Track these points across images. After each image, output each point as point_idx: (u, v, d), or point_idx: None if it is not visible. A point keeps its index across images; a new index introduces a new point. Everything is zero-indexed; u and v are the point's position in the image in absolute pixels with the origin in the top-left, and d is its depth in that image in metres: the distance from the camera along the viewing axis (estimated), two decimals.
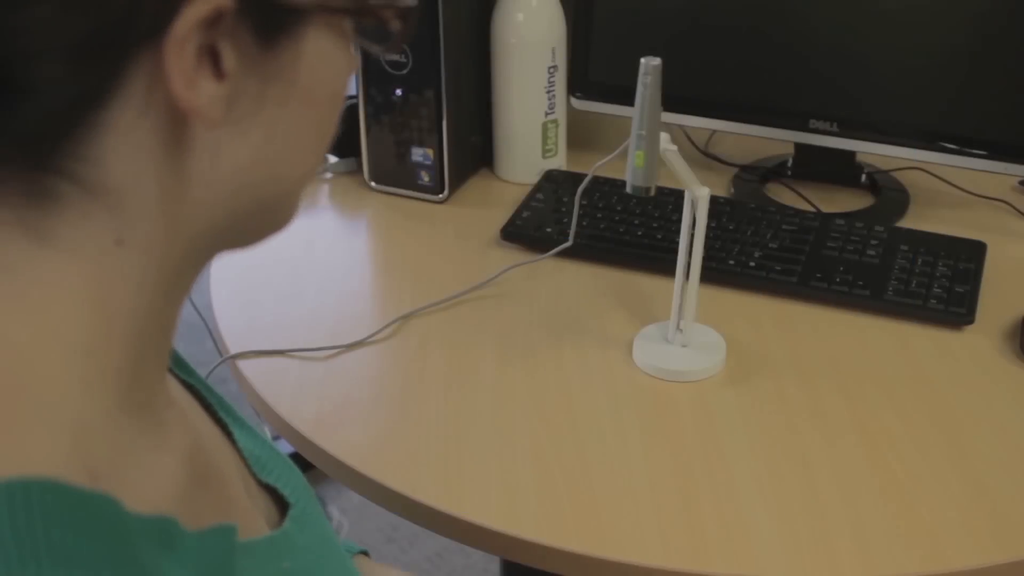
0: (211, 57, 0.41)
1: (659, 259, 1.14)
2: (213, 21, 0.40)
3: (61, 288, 0.42)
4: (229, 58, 0.42)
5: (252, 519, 0.53)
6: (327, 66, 0.46)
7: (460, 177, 1.32)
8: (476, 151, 1.35)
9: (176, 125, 0.43)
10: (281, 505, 0.58)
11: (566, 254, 1.15)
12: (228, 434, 0.59)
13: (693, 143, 1.44)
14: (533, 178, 1.31)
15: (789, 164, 1.36)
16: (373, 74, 1.25)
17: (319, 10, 0.44)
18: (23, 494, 0.38)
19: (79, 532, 0.38)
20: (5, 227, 0.42)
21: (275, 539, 0.53)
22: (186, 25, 0.39)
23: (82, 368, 0.43)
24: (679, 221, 1.05)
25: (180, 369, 0.60)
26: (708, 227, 1.00)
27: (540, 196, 1.26)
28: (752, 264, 1.13)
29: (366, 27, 0.47)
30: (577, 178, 1.28)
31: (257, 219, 0.49)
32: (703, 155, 1.41)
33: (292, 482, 0.60)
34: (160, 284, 0.46)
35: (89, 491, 0.39)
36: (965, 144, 1.20)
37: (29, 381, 0.41)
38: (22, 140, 0.40)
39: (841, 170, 1.34)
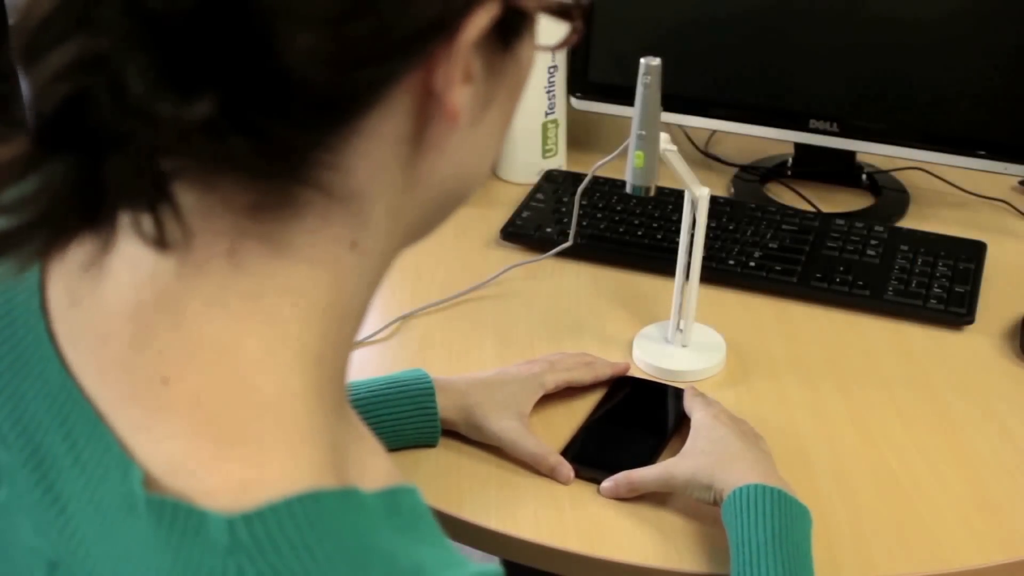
0: None
1: (659, 259, 1.14)
2: (484, 28, 0.41)
3: (296, 295, 0.43)
4: (476, 63, 0.43)
5: None
6: (528, 65, 0.48)
7: None
8: None
9: (420, 129, 0.43)
10: None
11: (566, 254, 1.15)
12: None
13: (693, 143, 1.44)
14: (533, 178, 1.31)
15: (789, 164, 1.36)
16: None
17: (537, 12, 0.45)
18: (301, 508, 0.39)
19: (350, 536, 0.39)
20: (246, 236, 0.42)
21: None
22: (474, 32, 0.40)
23: (315, 376, 0.43)
24: (679, 221, 1.05)
25: None
26: (708, 227, 1.00)
27: (540, 196, 1.26)
28: (752, 264, 1.13)
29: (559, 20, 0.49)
30: (577, 178, 1.28)
31: (451, 207, 0.50)
32: (703, 155, 1.41)
33: None
34: (375, 282, 0.47)
35: (342, 491, 0.40)
36: (965, 144, 1.20)
37: (270, 393, 0.41)
38: (281, 149, 0.40)
39: (841, 170, 1.34)
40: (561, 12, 0.46)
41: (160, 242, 0.39)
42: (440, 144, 0.44)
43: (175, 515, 0.38)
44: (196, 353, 0.41)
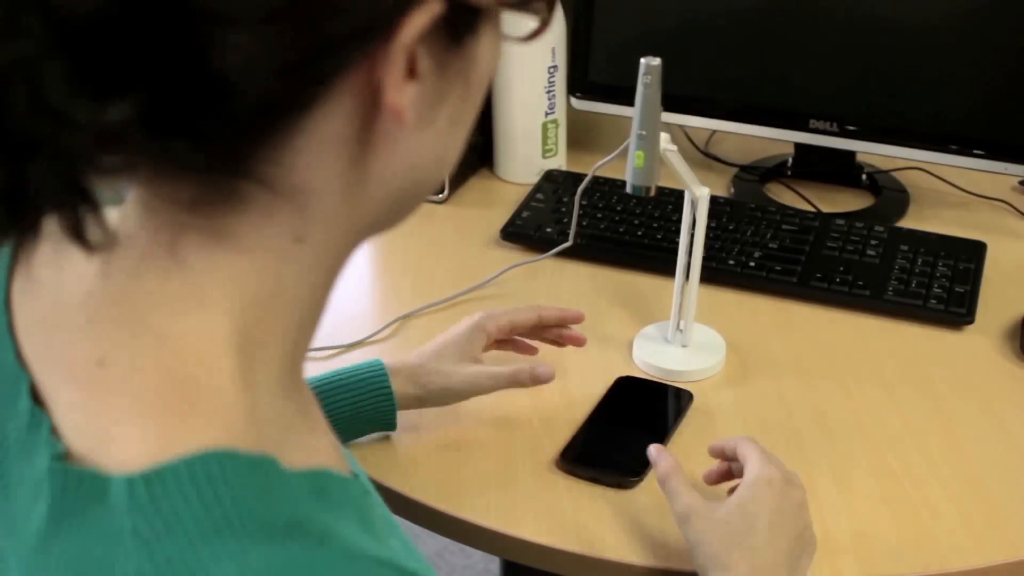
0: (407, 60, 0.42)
1: (659, 259, 1.14)
2: (426, 27, 0.41)
3: (236, 285, 0.43)
4: (423, 60, 0.42)
5: None
6: (491, 60, 0.47)
7: (460, 177, 1.32)
8: (476, 151, 1.35)
9: (365, 127, 0.43)
10: None
11: (566, 254, 1.15)
12: None
13: (693, 143, 1.44)
14: (533, 178, 1.31)
15: (789, 164, 1.36)
16: None
17: (495, 8, 0.45)
18: (203, 467, 0.39)
19: (256, 499, 0.40)
20: (197, 236, 0.43)
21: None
22: (412, 33, 0.40)
23: (252, 358, 0.44)
24: (679, 221, 1.05)
25: None
26: (708, 227, 1.00)
27: (540, 196, 1.26)
28: (752, 264, 1.13)
29: (523, 13, 0.48)
30: (577, 178, 1.28)
31: (411, 204, 0.50)
32: (703, 155, 1.41)
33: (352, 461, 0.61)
34: (327, 275, 0.48)
35: (254, 456, 0.41)
36: (965, 144, 1.20)
37: (199, 371, 0.42)
38: (220, 147, 0.40)
39: (841, 170, 1.34)
40: (523, 5, 0.46)
41: (85, 244, 0.40)
42: (388, 142, 0.44)
43: (79, 483, 0.40)
44: (133, 338, 0.42)
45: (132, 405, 0.41)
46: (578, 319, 0.98)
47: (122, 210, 0.44)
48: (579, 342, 0.98)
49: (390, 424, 0.90)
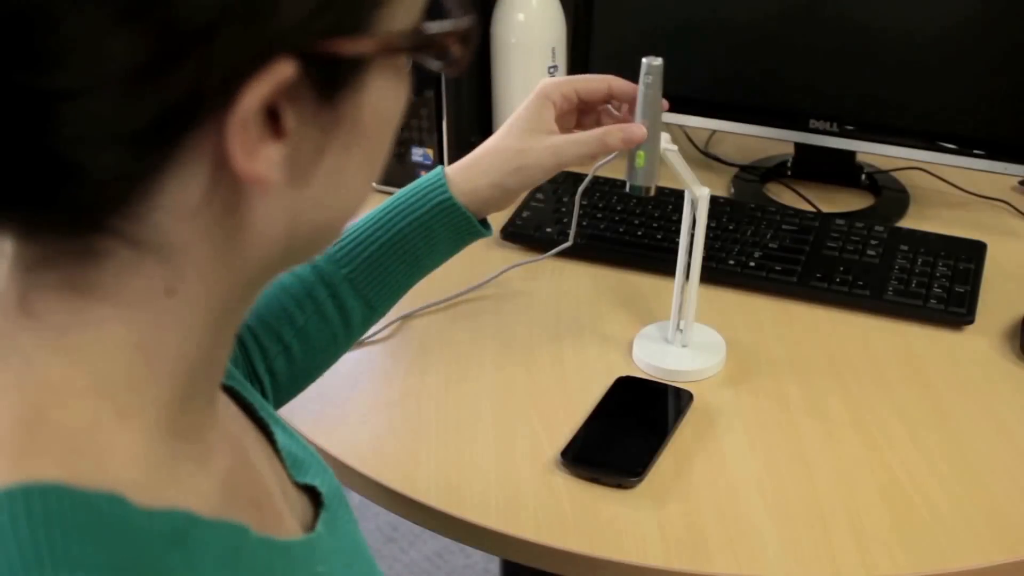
0: (270, 117, 0.40)
1: (659, 259, 1.14)
2: (276, 92, 0.39)
3: (103, 333, 0.43)
4: (289, 118, 0.40)
5: (286, 523, 0.53)
6: (387, 101, 0.45)
7: None
8: None
9: (227, 187, 0.41)
10: (316, 506, 0.58)
11: (566, 254, 1.15)
12: (269, 433, 0.59)
13: (693, 143, 1.44)
14: None
15: (789, 164, 1.36)
16: None
17: (381, 55, 0.43)
18: (24, 500, 0.38)
19: (82, 535, 0.38)
20: (50, 290, 0.42)
21: (310, 541, 0.53)
22: (250, 104, 0.39)
23: (122, 401, 0.43)
24: (679, 221, 1.05)
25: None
26: (708, 227, 1.00)
27: (540, 196, 1.26)
28: (752, 264, 1.13)
29: (426, 56, 0.45)
30: (577, 178, 1.28)
31: (311, 247, 0.48)
32: (703, 155, 1.41)
33: (327, 483, 0.60)
34: (210, 324, 0.46)
35: (93, 492, 0.40)
36: (965, 144, 1.20)
37: (52, 413, 0.41)
38: (74, 210, 0.40)
39: (841, 170, 1.34)
40: (421, 49, 0.44)
41: None
42: (260, 199, 0.42)
43: None
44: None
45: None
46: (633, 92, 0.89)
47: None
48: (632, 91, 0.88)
49: (476, 231, 0.86)
